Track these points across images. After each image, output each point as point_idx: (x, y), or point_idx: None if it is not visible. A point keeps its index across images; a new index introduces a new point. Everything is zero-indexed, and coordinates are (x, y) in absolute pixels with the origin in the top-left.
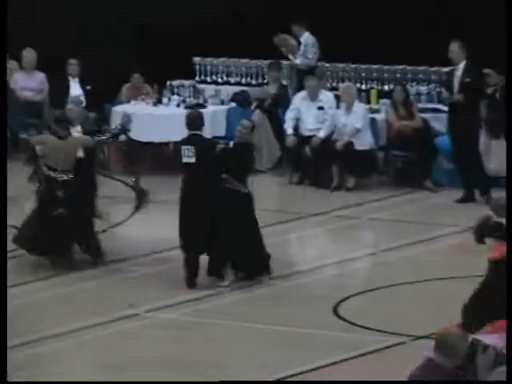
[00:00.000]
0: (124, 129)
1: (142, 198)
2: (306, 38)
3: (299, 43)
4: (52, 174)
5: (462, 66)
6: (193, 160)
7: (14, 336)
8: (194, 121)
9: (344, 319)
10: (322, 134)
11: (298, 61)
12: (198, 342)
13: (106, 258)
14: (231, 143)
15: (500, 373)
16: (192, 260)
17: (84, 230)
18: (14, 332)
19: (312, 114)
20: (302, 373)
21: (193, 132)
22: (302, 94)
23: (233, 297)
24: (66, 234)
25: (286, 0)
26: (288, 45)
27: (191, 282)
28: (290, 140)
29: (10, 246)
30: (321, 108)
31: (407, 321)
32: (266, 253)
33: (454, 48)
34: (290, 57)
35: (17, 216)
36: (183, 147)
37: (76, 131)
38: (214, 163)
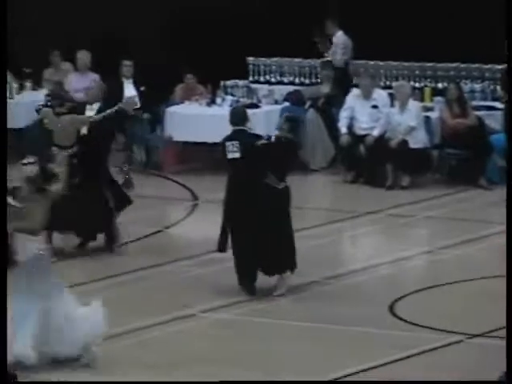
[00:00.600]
0: (123, 109)
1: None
2: (338, 37)
3: (330, 42)
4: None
5: None
6: (237, 155)
7: None
8: (238, 116)
9: (400, 318)
10: (375, 133)
11: (327, 59)
12: (252, 341)
13: (118, 244)
14: (273, 137)
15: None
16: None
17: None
18: None
19: (366, 113)
20: (358, 372)
21: (237, 128)
22: (356, 92)
23: (287, 296)
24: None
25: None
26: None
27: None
28: (344, 139)
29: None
30: (375, 106)
31: (463, 319)
32: (294, 250)
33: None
34: (326, 54)
35: None
36: (228, 143)
37: (91, 109)
38: (257, 158)
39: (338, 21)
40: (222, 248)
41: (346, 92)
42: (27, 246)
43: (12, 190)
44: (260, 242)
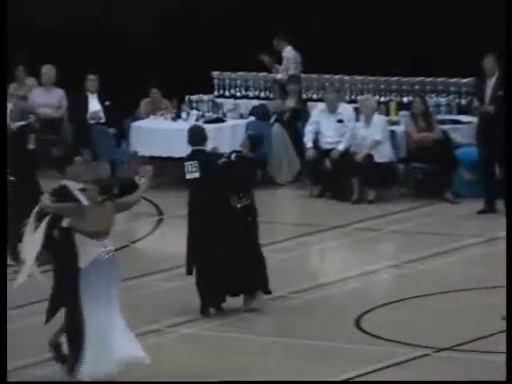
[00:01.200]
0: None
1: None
2: (287, 52)
3: (280, 58)
4: None
5: (494, 77)
6: (197, 175)
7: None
8: (196, 135)
9: (367, 332)
10: (341, 147)
11: (279, 76)
12: (220, 356)
13: None
14: (233, 156)
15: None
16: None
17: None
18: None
19: (331, 127)
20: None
21: (196, 148)
22: (321, 106)
23: (254, 310)
24: None
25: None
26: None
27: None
28: (310, 153)
29: None
30: (340, 121)
31: (430, 333)
32: (262, 269)
33: (489, 60)
34: (274, 72)
35: None
36: (187, 163)
37: None
38: (217, 177)
39: (286, 36)
40: (189, 272)
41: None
42: (92, 249)
43: (83, 189)
44: (225, 263)
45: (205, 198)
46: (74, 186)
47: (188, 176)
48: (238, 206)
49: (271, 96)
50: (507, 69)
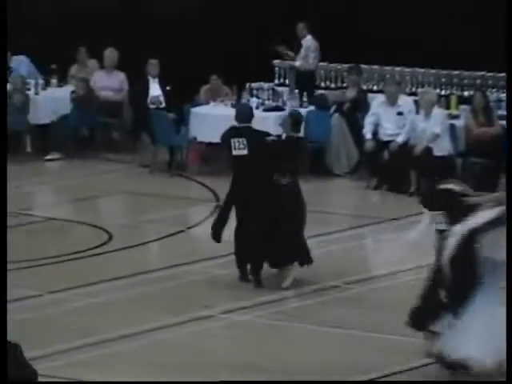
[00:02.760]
0: None
1: None
2: (308, 41)
3: (300, 45)
4: None
5: None
6: (244, 152)
7: (84, 335)
8: (245, 113)
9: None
10: (400, 139)
11: (297, 63)
12: (271, 344)
13: None
14: (283, 136)
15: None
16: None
17: None
18: (85, 331)
19: (391, 119)
20: (373, 380)
21: (242, 124)
22: (381, 98)
23: (309, 300)
24: None
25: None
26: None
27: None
28: (369, 145)
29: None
30: (400, 113)
31: None
32: (305, 246)
33: None
34: (287, 59)
35: None
36: (234, 140)
37: None
38: (265, 155)
39: (308, 24)
40: (217, 238)
41: (311, 95)
42: None
43: None
44: (267, 235)
45: (250, 174)
46: None
47: (235, 152)
48: (283, 182)
49: (331, 86)
50: (507, 68)
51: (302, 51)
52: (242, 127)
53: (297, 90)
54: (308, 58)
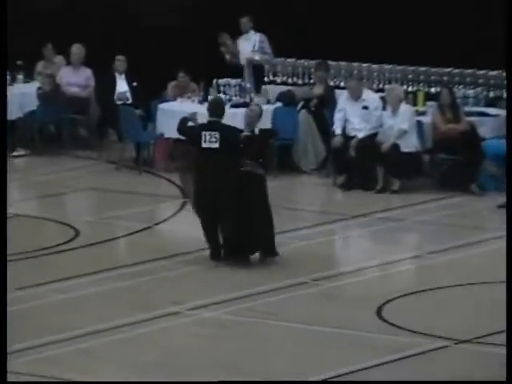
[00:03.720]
0: None
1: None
2: (256, 35)
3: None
4: None
5: None
6: (216, 145)
7: (56, 331)
8: (217, 107)
9: (387, 321)
10: (360, 135)
11: (257, 56)
12: (237, 341)
13: None
14: (256, 131)
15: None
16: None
17: None
18: (57, 327)
19: (357, 114)
20: (341, 375)
21: (214, 119)
22: (346, 94)
23: (276, 296)
24: None
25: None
26: (227, 45)
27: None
28: (337, 140)
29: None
30: (365, 107)
31: (450, 324)
32: (273, 234)
33: None
34: (227, 57)
35: None
36: (204, 132)
37: None
38: (237, 149)
39: (253, 18)
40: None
41: (258, 90)
42: None
43: None
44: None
45: (221, 167)
46: None
47: (205, 145)
48: (260, 172)
49: (299, 82)
50: (507, 68)
51: (257, 44)
52: (214, 121)
53: (249, 85)
54: (264, 49)
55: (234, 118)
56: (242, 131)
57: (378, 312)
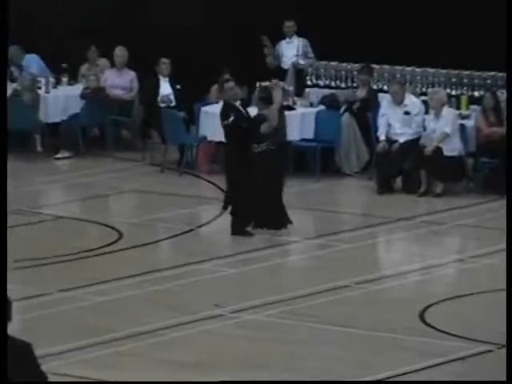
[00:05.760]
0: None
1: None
2: (300, 40)
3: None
4: None
5: None
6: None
7: (95, 334)
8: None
9: (430, 325)
10: (402, 140)
11: (301, 61)
12: (280, 343)
13: None
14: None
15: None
16: None
17: None
18: (96, 330)
19: (399, 119)
20: (383, 379)
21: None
22: (389, 97)
23: (318, 299)
24: None
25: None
26: (269, 48)
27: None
28: (382, 145)
29: (99, 243)
30: (407, 113)
31: (493, 329)
32: (282, 209)
33: None
34: (269, 60)
35: None
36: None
37: None
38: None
39: (296, 23)
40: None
41: (300, 94)
42: None
43: None
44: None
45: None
46: None
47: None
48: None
49: (342, 85)
50: (507, 69)
51: (300, 48)
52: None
53: (292, 88)
54: (307, 53)
55: None
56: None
57: (421, 316)
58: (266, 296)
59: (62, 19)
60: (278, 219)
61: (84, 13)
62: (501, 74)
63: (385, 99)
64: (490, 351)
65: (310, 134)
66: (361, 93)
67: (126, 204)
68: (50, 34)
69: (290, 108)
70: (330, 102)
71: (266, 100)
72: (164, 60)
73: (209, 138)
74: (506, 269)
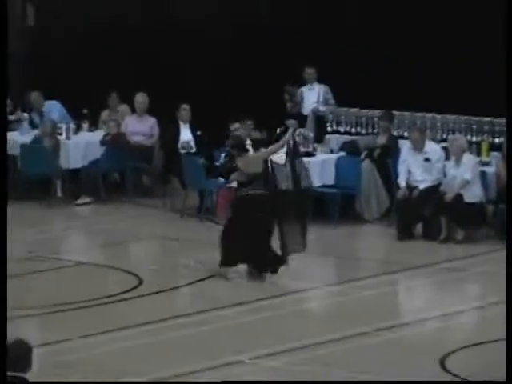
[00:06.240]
0: None
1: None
2: (320, 86)
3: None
4: None
5: None
6: None
7: (110, 380)
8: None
9: (451, 373)
10: (422, 186)
11: (321, 107)
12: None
13: None
14: None
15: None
16: None
17: None
18: (116, 375)
19: (419, 165)
20: None
21: None
22: (409, 144)
23: (337, 347)
24: None
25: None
26: (292, 94)
27: None
28: (402, 192)
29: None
30: (427, 159)
31: None
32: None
33: None
34: (289, 105)
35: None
36: None
37: None
38: None
39: (317, 69)
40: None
41: (320, 140)
42: None
43: None
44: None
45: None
46: None
47: None
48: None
49: (362, 132)
50: (507, 68)
51: (321, 95)
52: None
53: (312, 134)
54: (329, 100)
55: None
56: None
57: (442, 363)
58: (286, 343)
59: (82, 65)
60: (263, 261)
61: (104, 58)
62: None
63: (405, 146)
64: None
65: (330, 181)
66: (381, 139)
67: (146, 250)
68: (70, 80)
69: (310, 154)
70: (351, 149)
71: (239, 148)
72: (184, 106)
73: (228, 184)
74: (506, 267)
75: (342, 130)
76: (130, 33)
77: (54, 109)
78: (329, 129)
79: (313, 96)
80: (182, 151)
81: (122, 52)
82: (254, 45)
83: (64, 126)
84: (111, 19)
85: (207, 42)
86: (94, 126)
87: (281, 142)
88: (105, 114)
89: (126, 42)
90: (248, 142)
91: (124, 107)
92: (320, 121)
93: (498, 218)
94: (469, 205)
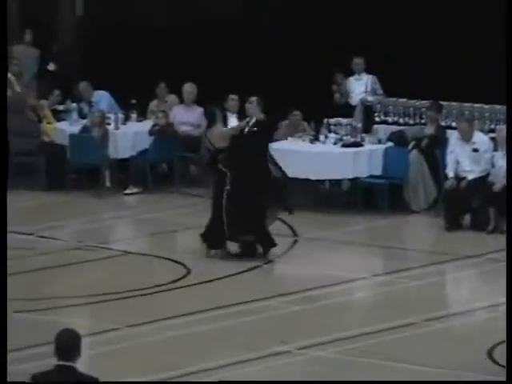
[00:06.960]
0: None
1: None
2: (368, 76)
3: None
4: None
5: None
6: None
7: (156, 370)
8: None
9: (499, 364)
10: (470, 177)
11: (369, 98)
12: (340, 378)
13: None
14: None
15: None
16: None
17: None
18: (163, 366)
19: (467, 156)
20: None
21: None
22: (457, 134)
23: (385, 336)
24: None
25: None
26: (340, 85)
27: None
28: (450, 183)
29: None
30: (475, 150)
31: None
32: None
33: None
34: (337, 96)
35: None
36: None
37: None
38: None
39: (365, 60)
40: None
41: (368, 130)
42: None
43: None
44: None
45: None
46: None
47: None
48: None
49: (410, 122)
50: (507, 69)
51: (369, 85)
52: None
53: (360, 125)
54: (377, 90)
55: (344, 157)
56: None
57: (490, 354)
58: (332, 333)
59: (131, 55)
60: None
61: (153, 49)
62: None
63: (453, 136)
64: None
65: (378, 171)
66: (429, 130)
67: (193, 240)
68: (119, 70)
69: (358, 144)
70: (399, 139)
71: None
72: (233, 96)
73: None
74: (506, 267)
75: (389, 120)
76: (179, 23)
77: (102, 99)
78: (377, 119)
79: (361, 86)
80: None
81: (170, 42)
82: (303, 35)
83: (113, 116)
84: (158, 9)
85: (258, 30)
86: (142, 116)
87: (236, 126)
88: (153, 104)
89: (174, 32)
90: (233, 115)
91: (172, 97)
92: (368, 111)
93: None
94: None
